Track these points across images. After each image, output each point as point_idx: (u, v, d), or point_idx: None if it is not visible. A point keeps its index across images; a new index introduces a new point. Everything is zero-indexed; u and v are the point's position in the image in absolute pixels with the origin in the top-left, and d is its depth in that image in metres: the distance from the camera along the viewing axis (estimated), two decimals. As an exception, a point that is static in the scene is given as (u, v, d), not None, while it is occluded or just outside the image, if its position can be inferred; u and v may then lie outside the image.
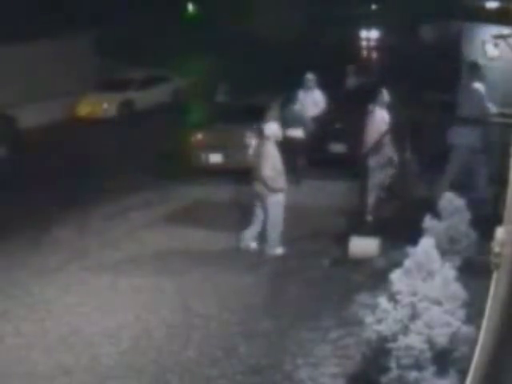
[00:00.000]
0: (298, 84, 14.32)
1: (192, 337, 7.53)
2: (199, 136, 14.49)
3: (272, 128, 9.78)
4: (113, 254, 10.08)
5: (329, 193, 12.13)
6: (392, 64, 21.54)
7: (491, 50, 13.22)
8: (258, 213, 9.86)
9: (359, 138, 11.42)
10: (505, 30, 12.89)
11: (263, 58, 24.80)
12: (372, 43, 32.86)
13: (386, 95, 11.23)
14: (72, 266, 9.68)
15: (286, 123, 12.11)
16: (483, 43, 13.41)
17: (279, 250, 9.78)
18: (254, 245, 9.94)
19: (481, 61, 13.10)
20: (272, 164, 9.52)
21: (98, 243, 10.55)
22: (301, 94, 13.81)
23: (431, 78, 14.64)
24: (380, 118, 11.18)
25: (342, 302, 7.97)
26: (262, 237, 9.90)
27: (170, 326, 7.83)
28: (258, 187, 9.68)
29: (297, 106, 13.43)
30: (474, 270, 7.11)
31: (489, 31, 13.24)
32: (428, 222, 8.20)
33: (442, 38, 27.61)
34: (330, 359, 6.81)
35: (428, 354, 5.42)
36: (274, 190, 9.58)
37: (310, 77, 14.04)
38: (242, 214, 10.58)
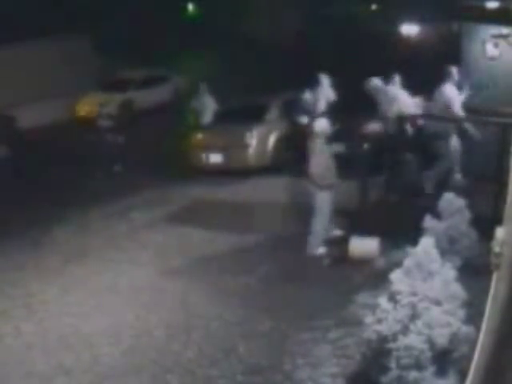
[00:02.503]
0: (298, 84, 14.31)
1: (192, 337, 7.53)
2: (199, 136, 14.50)
3: (321, 124, 9.64)
4: (113, 254, 10.08)
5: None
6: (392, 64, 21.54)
7: (491, 50, 13.22)
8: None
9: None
10: (504, 30, 12.89)
11: (263, 58, 24.79)
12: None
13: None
14: (72, 265, 9.68)
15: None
16: (483, 43, 13.41)
17: (321, 250, 9.55)
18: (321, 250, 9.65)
19: (482, 61, 13.11)
20: (320, 161, 9.41)
21: (98, 243, 10.55)
22: (313, 93, 13.57)
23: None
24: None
25: (342, 302, 7.96)
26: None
27: (170, 326, 7.83)
28: (309, 184, 9.58)
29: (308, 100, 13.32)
30: (474, 270, 7.11)
31: (489, 31, 13.23)
32: (428, 221, 8.20)
33: (441, 38, 27.59)
34: (329, 359, 6.81)
35: (428, 354, 5.41)
36: (322, 188, 9.43)
37: (323, 76, 13.70)
38: (242, 214, 10.58)
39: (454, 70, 11.20)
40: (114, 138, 15.67)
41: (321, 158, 9.47)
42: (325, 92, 13.70)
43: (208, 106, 15.98)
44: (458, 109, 10.87)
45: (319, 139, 9.55)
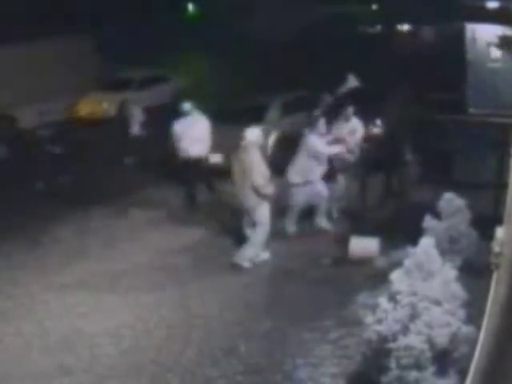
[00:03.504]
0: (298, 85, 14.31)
1: (192, 337, 7.53)
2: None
3: (253, 135, 9.41)
4: (113, 254, 10.07)
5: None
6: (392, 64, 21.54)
7: (494, 52, 13.21)
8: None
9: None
10: (508, 31, 12.87)
11: (263, 58, 24.79)
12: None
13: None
14: (72, 266, 9.68)
15: None
16: (488, 45, 13.38)
17: (246, 264, 9.39)
18: (265, 255, 9.62)
19: (485, 62, 13.08)
20: (259, 171, 9.13)
21: (98, 243, 10.54)
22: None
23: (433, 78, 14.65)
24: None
25: (342, 302, 7.97)
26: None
27: (170, 326, 7.83)
28: (244, 198, 9.27)
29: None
30: (474, 270, 7.12)
31: (493, 32, 13.20)
32: (428, 221, 8.21)
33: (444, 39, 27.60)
34: (330, 359, 6.81)
35: (428, 354, 5.42)
36: (263, 198, 9.22)
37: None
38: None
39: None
40: (113, 138, 15.72)
41: (258, 168, 9.17)
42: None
43: (136, 117, 16.12)
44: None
45: (253, 150, 9.25)
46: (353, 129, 11.47)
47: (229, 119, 14.12)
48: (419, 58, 21.41)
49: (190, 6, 35.96)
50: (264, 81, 18.99)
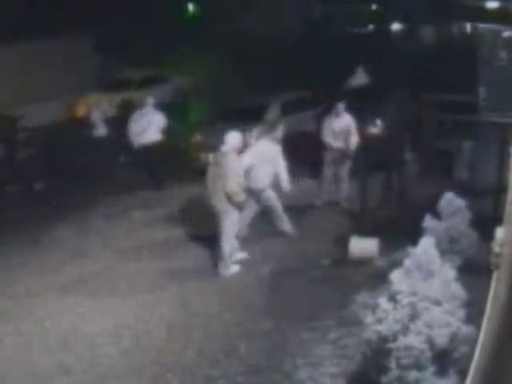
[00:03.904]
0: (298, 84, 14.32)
1: (192, 337, 7.53)
2: (199, 136, 14.49)
3: (235, 138, 9.28)
4: (113, 254, 10.08)
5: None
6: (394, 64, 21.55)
7: (501, 52, 13.20)
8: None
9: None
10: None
11: (263, 58, 24.79)
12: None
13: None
14: (72, 266, 9.68)
15: None
16: (496, 45, 13.36)
17: (235, 269, 9.30)
18: (241, 255, 9.55)
19: (495, 62, 13.04)
20: (233, 178, 8.99)
21: (98, 243, 10.55)
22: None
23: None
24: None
25: (342, 302, 7.96)
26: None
27: (170, 325, 7.83)
28: (215, 202, 9.15)
29: None
30: (474, 270, 7.11)
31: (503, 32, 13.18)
32: (428, 221, 8.21)
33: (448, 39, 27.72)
34: (329, 359, 6.81)
35: (428, 354, 5.42)
36: (233, 205, 9.09)
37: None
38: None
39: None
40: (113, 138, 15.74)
41: (234, 175, 9.03)
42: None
43: (98, 118, 16.47)
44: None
45: (231, 155, 9.13)
46: (345, 125, 11.53)
47: (229, 119, 14.13)
48: (428, 58, 21.37)
49: (190, 6, 35.94)
50: (264, 81, 19.00)
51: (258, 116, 14.28)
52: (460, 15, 32.04)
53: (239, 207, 9.24)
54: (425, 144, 12.09)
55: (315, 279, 8.82)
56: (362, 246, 9.18)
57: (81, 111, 20.32)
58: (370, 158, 10.50)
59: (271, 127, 10.63)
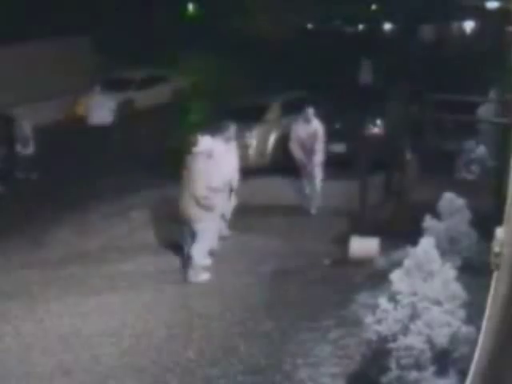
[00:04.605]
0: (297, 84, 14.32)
1: (192, 337, 7.53)
2: (198, 136, 14.47)
3: (205, 143, 9.09)
4: (113, 254, 10.08)
5: (328, 192, 12.11)
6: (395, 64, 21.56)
7: None
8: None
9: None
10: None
11: (263, 58, 24.80)
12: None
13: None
14: (72, 265, 9.68)
15: None
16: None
17: (205, 276, 9.06)
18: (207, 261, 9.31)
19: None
20: (203, 180, 8.80)
21: (98, 243, 10.54)
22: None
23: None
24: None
25: (342, 301, 7.96)
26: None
27: (170, 326, 7.83)
28: (183, 206, 8.97)
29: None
30: (474, 270, 7.11)
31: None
32: (428, 221, 8.21)
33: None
34: (330, 359, 6.81)
35: (428, 354, 5.42)
36: (206, 210, 8.86)
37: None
38: (241, 214, 10.56)
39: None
40: (113, 138, 15.72)
41: (204, 178, 8.84)
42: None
43: (22, 134, 15.24)
44: None
45: (201, 158, 8.94)
46: (313, 131, 11.38)
47: (229, 119, 14.13)
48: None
49: (190, 6, 35.96)
50: (264, 81, 19.01)
51: (258, 116, 14.29)
52: (460, 15, 32.08)
53: (211, 214, 8.94)
54: (425, 144, 12.08)
55: (315, 279, 8.82)
56: (362, 245, 9.18)
57: (81, 111, 20.35)
58: (370, 158, 10.50)
59: (221, 128, 10.22)
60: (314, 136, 11.33)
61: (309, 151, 11.33)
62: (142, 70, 22.05)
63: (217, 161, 9.40)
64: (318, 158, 11.33)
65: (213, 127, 10.33)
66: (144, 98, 20.92)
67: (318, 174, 11.43)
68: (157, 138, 16.74)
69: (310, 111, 11.44)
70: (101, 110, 20.12)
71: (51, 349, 7.41)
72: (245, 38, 28.44)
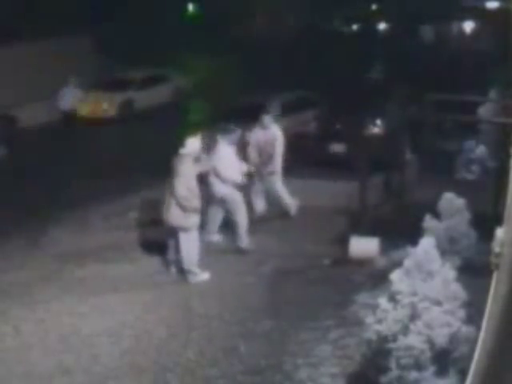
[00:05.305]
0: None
1: (192, 337, 7.53)
2: (198, 136, 14.47)
3: (192, 145, 9.08)
4: (113, 254, 10.07)
5: (329, 192, 12.11)
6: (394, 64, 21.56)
7: None
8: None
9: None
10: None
11: (263, 58, 24.80)
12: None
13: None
14: (72, 266, 9.67)
15: None
16: None
17: (205, 276, 9.04)
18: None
19: None
20: (184, 182, 8.75)
21: (98, 243, 10.54)
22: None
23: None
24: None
25: (342, 302, 7.97)
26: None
27: (170, 325, 7.83)
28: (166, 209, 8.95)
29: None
30: (474, 270, 7.11)
31: None
32: (428, 221, 8.21)
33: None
34: (330, 359, 6.81)
35: (428, 354, 5.42)
36: (189, 211, 8.82)
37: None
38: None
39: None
40: (113, 138, 15.69)
41: (185, 179, 8.79)
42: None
43: None
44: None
45: (186, 160, 8.91)
46: (271, 136, 11.34)
47: (228, 119, 14.13)
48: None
49: (190, 7, 35.96)
50: (264, 81, 19.00)
51: (258, 116, 14.28)
52: (460, 15, 32.07)
53: (192, 217, 8.87)
54: (425, 144, 12.07)
55: (315, 279, 8.83)
56: (362, 245, 9.19)
57: (82, 111, 20.32)
58: (370, 158, 10.50)
59: (227, 131, 10.23)
60: (272, 142, 11.31)
61: (267, 157, 11.32)
62: (142, 70, 22.05)
63: (218, 163, 9.55)
64: (278, 163, 11.30)
65: (219, 130, 10.35)
66: (144, 98, 20.90)
67: (278, 179, 11.36)
68: (157, 137, 16.73)
69: (267, 118, 11.48)
70: (101, 109, 20.12)
71: (51, 349, 7.41)
72: (245, 37, 28.43)
